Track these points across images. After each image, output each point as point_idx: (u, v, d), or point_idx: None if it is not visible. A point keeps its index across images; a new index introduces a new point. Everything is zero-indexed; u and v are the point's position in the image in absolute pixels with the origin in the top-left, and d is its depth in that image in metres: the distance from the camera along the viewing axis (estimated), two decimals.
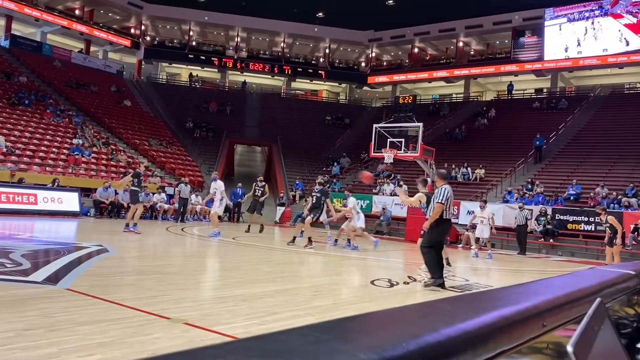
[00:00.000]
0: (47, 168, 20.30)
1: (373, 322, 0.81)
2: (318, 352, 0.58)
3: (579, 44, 31.54)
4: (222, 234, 13.46)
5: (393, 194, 21.66)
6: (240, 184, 22.37)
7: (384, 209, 21.00)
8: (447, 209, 6.89)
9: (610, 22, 30.43)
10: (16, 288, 4.83)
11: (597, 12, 30.95)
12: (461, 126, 30.67)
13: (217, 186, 13.65)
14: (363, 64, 41.98)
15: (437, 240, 7.02)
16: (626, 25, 29.99)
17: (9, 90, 25.34)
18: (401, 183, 22.79)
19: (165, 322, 3.93)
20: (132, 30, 39.19)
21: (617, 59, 30.45)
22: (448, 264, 9.54)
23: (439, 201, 6.88)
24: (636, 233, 15.65)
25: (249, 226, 16.17)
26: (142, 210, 13.75)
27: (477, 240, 14.20)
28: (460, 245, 17.16)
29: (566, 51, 32.03)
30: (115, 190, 18.77)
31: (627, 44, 29.85)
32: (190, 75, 41.04)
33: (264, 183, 16.33)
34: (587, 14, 31.33)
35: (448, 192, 6.91)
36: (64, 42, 36.58)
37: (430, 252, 6.84)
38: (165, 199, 20.28)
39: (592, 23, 31.08)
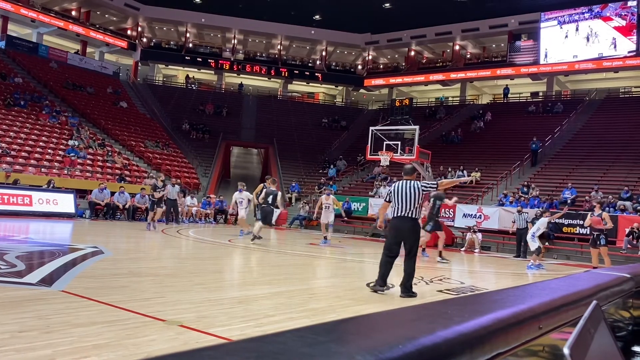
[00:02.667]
0: (42, 169, 20.24)
1: (370, 324, 0.80)
2: (315, 353, 0.58)
3: (573, 48, 31.71)
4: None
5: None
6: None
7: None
8: (393, 206, 6.47)
9: (601, 24, 30.68)
10: (10, 290, 4.81)
11: (587, 15, 31.20)
12: (457, 129, 30.75)
13: (244, 197, 15.07)
14: (360, 67, 42.06)
15: (385, 243, 6.65)
16: (616, 28, 30.23)
17: (5, 91, 25.25)
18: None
19: (161, 324, 3.92)
20: (129, 32, 39.13)
21: (612, 63, 30.64)
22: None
23: (385, 199, 6.83)
24: (631, 236, 15.71)
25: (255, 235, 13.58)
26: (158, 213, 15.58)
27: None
28: (463, 249, 17.14)
29: (561, 55, 32.18)
30: (111, 192, 18.74)
31: (617, 46, 30.11)
32: (187, 77, 40.99)
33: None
34: (576, 17, 31.59)
35: (391, 188, 6.61)
36: (60, 43, 36.48)
37: (381, 256, 6.59)
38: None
39: (584, 26, 31.30)
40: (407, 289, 6.22)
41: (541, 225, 12.38)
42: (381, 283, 6.31)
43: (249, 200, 15.07)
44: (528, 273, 11.25)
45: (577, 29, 31.66)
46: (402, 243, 6.39)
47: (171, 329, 3.80)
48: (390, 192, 6.50)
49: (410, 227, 6.29)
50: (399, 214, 6.32)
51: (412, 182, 6.43)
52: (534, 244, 12.27)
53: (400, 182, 6.49)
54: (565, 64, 32.20)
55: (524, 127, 27.99)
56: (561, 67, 32.56)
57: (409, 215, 6.27)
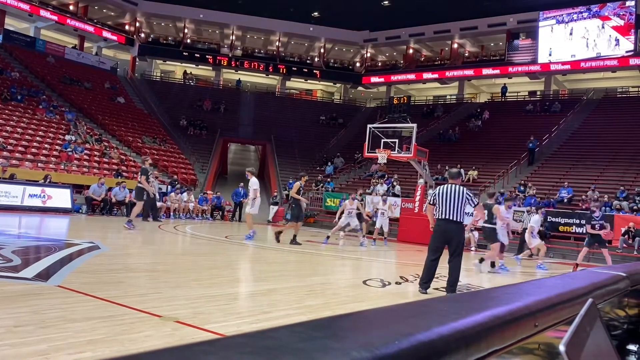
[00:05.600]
0: (39, 164, 20.18)
1: (365, 320, 0.80)
2: (310, 349, 0.58)
3: (571, 47, 31.74)
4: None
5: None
6: (242, 184, 22.30)
7: (377, 209, 20.93)
8: (438, 209, 6.62)
9: (599, 24, 30.72)
10: (6, 284, 4.79)
11: (585, 15, 31.24)
12: (455, 128, 30.78)
13: (251, 184, 12.81)
14: (358, 64, 42.01)
15: (430, 244, 6.77)
16: (614, 28, 30.28)
17: (2, 86, 25.16)
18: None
19: (156, 320, 3.91)
20: (127, 27, 39.01)
21: (610, 62, 30.64)
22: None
23: (429, 202, 6.97)
24: (627, 236, 15.78)
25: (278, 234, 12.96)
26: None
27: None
28: None
29: (560, 54, 32.21)
30: (108, 188, 18.68)
31: (615, 46, 30.15)
32: (185, 73, 40.90)
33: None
34: (575, 17, 31.62)
35: (435, 192, 6.76)
36: (57, 37, 36.35)
37: (426, 257, 6.74)
38: (158, 197, 20.16)
39: (582, 26, 31.34)
40: (452, 288, 6.49)
41: (534, 223, 12.43)
42: (426, 286, 6.58)
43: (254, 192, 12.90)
44: (538, 272, 11.24)
45: (575, 29, 31.69)
46: (447, 243, 6.57)
47: (167, 325, 3.80)
48: (435, 195, 6.66)
49: (455, 229, 6.51)
50: (444, 217, 6.51)
51: (457, 186, 6.61)
52: (535, 241, 12.32)
53: (446, 185, 6.64)
54: (563, 63, 32.22)
55: (521, 126, 28.02)
56: (559, 67, 32.59)
57: (454, 218, 6.47)
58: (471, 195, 6.66)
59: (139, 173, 12.93)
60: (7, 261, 6.11)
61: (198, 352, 0.53)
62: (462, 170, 10.44)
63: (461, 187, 6.61)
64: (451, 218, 6.47)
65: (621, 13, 30.03)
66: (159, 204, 19.75)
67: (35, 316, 3.69)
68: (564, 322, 1.16)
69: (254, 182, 12.89)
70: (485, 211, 9.78)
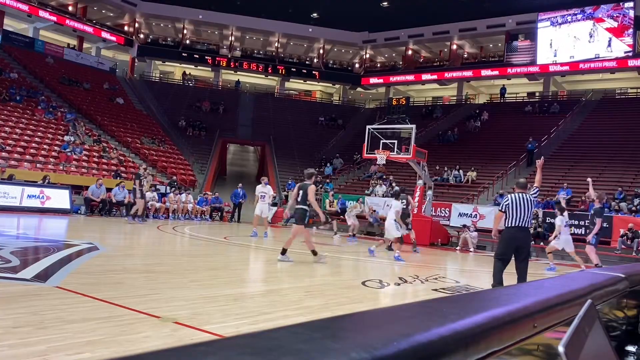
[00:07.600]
0: (37, 165, 20.15)
1: (365, 321, 0.80)
2: (310, 350, 0.58)
3: (570, 48, 31.79)
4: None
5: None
6: (241, 184, 22.28)
7: (374, 210, 20.93)
8: (508, 217, 6.87)
9: (594, 26, 30.79)
10: (5, 285, 4.79)
11: (579, 17, 31.34)
12: (454, 129, 30.80)
13: (267, 190, 14.80)
14: (357, 65, 42.03)
15: (498, 250, 7.12)
16: (608, 29, 30.37)
17: (0, 86, 25.12)
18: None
19: (155, 321, 3.91)
20: (126, 28, 39.00)
21: (608, 63, 30.69)
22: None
23: (499, 209, 7.21)
24: (625, 237, 15.79)
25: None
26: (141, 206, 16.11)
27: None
28: (458, 248, 17.18)
29: (558, 55, 32.25)
30: (107, 189, 18.63)
31: (612, 47, 30.23)
32: (184, 73, 40.89)
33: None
34: (570, 18, 31.70)
35: (507, 200, 7.00)
36: (56, 38, 36.33)
37: (495, 262, 7.00)
38: (157, 197, 20.16)
39: (579, 27, 31.42)
40: None
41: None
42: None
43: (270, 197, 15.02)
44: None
45: (572, 30, 31.75)
46: (516, 250, 6.82)
47: (166, 326, 3.80)
48: (508, 204, 6.93)
49: (524, 237, 6.89)
50: (515, 224, 6.80)
51: (526, 195, 6.94)
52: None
53: (516, 194, 6.96)
54: (562, 64, 32.26)
55: (520, 127, 28.03)
56: (558, 68, 32.63)
57: (525, 225, 6.82)
58: (534, 193, 7.12)
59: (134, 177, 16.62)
60: (5, 262, 6.10)
61: (198, 353, 0.53)
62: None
63: (529, 196, 6.93)
64: (522, 225, 6.77)
65: (615, 15, 30.13)
66: (157, 204, 19.77)
67: (34, 317, 3.69)
68: (562, 323, 1.16)
69: (270, 189, 15.10)
70: (301, 191, 9.34)
